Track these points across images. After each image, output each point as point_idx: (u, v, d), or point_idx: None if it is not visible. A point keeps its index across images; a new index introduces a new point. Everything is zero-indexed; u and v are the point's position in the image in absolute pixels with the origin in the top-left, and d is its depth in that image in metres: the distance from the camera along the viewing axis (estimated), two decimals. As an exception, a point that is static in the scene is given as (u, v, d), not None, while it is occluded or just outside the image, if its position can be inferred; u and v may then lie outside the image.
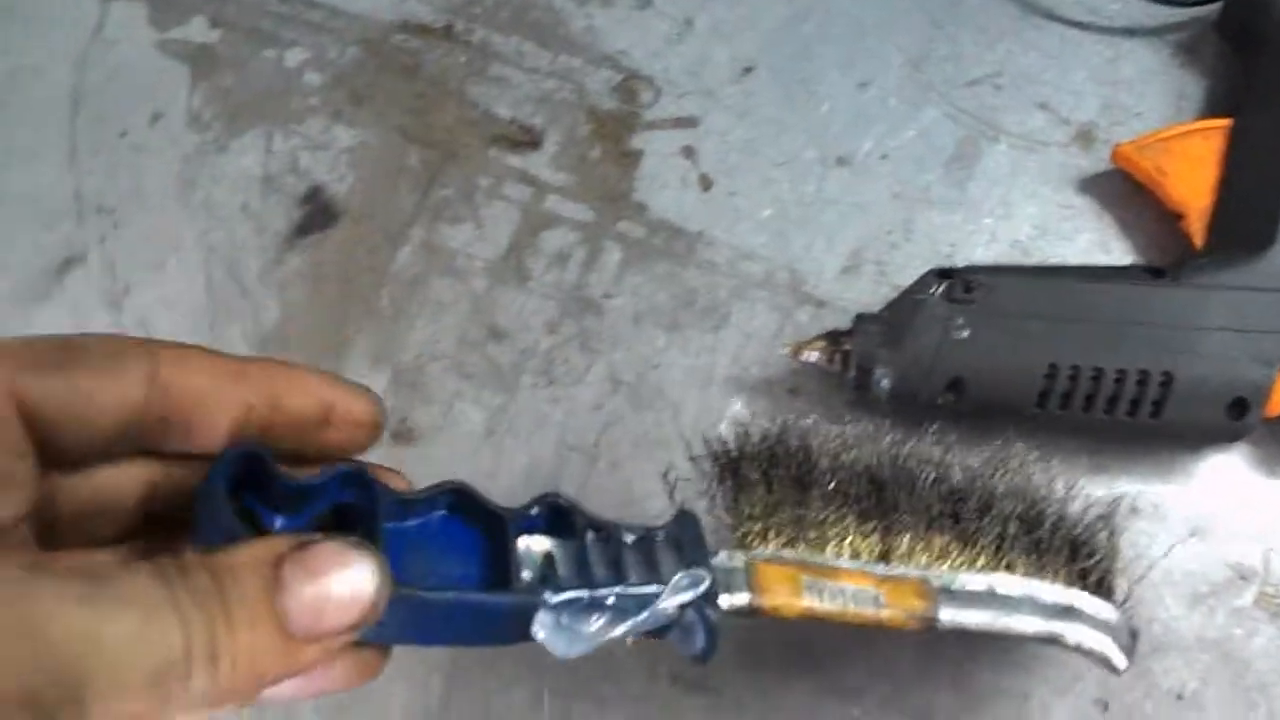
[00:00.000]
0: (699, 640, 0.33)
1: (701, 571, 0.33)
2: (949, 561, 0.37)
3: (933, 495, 0.38)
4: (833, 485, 0.38)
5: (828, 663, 0.45)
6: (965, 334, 0.44)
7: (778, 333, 0.49)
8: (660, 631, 0.33)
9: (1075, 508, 0.39)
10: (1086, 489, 0.44)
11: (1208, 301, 0.44)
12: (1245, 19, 0.50)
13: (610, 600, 0.32)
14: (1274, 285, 0.44)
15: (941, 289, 0.45)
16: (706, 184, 0.52)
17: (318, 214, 0.54)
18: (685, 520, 0.36)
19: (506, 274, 0.52)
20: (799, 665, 0.45)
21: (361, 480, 0.30)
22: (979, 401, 0.44)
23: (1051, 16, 0.53)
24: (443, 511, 0.32)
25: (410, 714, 0.45)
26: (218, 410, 0.29)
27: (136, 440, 0.28)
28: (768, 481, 0.38)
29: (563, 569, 0.33)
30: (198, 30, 0.58)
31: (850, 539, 0.37)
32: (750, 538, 0.37)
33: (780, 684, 0.44)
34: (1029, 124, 0.52)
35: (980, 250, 0.50)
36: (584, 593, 0.31)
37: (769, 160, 0.52)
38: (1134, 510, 0.46)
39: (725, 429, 0.41)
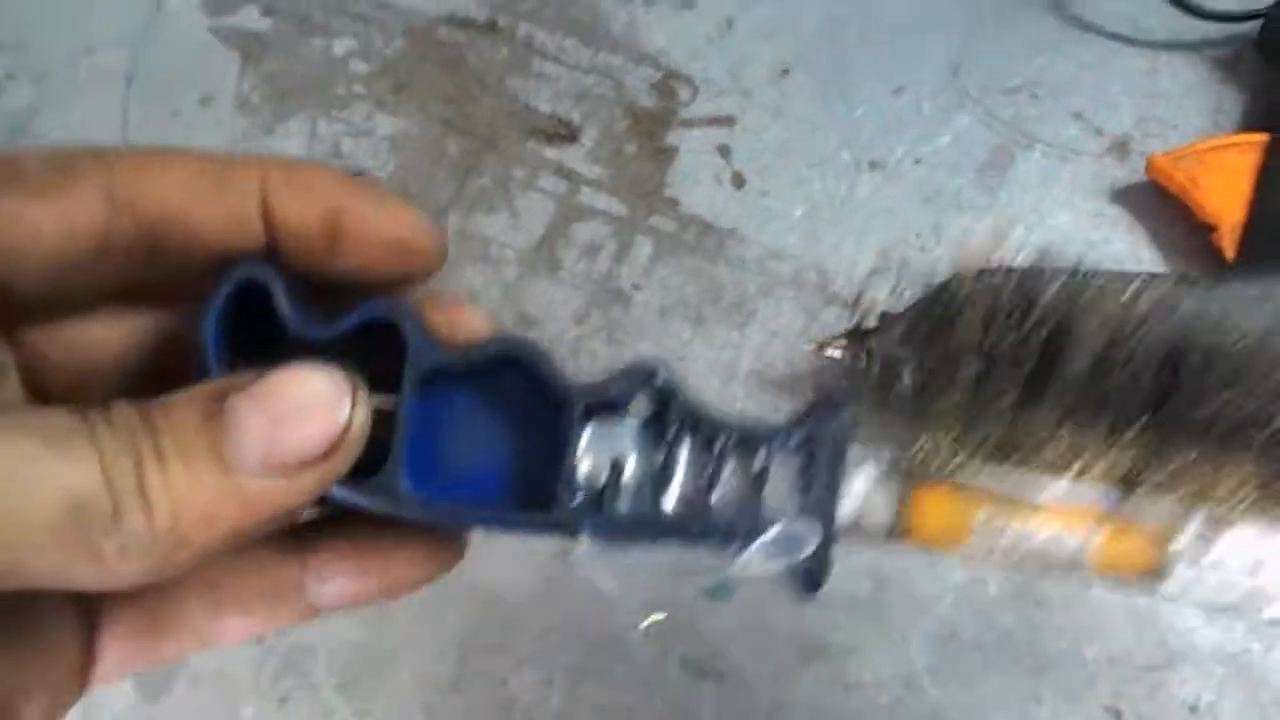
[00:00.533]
0: (793, 585, 0.26)
1: (813, 527, 0.25)
2: (1233, 499, 0.25)
3: (1265, 397, 0.26)
4: (1097, 368, 0.26)
5: (839, 655, 0.45)
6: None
7: (803, 331, 0.50)
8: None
9: None
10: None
11: (1240, 312, 0.44)
12: (1285, 35, 0.50)
13: (679, 537, 0.25)
14: (1304, 299, 0.43)
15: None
16: (739, 182, 0.53)
17: (357, 198, 0.55)
18: (828, 423, 0.25)
19: (538, 264, 0.52)
20: (810, 655, 0.45)
21: (389, 322, 0.24)
22: (1001, 404, 0.44)
23: (1090, 28, 0.54)
24: (495, 376, 0.25)
25: (423, 690, 0.46)
26: (199, 228, 0.23)
27: (111, 279, 0.23)
28: (980, 358, 0.27)
29: (632, 483, 0.25)
30: (249, 18, 0.59)
31: (1089, 453, 0.26)
32: (926, 443, 0.26)
33: (789, 673, 0.45)
34: (1063, 134, 0.52)
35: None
36: (642, 518, 0.25)
37: (802, 161, 0.53)
38: (1154, 520, 0.45)
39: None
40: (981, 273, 0.41)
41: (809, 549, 0.25)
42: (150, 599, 0.25)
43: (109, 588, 0.20)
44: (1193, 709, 0.43)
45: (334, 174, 0.24)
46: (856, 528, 0.25)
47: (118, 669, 0.25)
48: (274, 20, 0.59)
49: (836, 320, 0.50)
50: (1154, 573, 0.25)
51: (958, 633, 0.45)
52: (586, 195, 0.53)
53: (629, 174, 0.54)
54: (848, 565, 0.46)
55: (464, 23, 0.58)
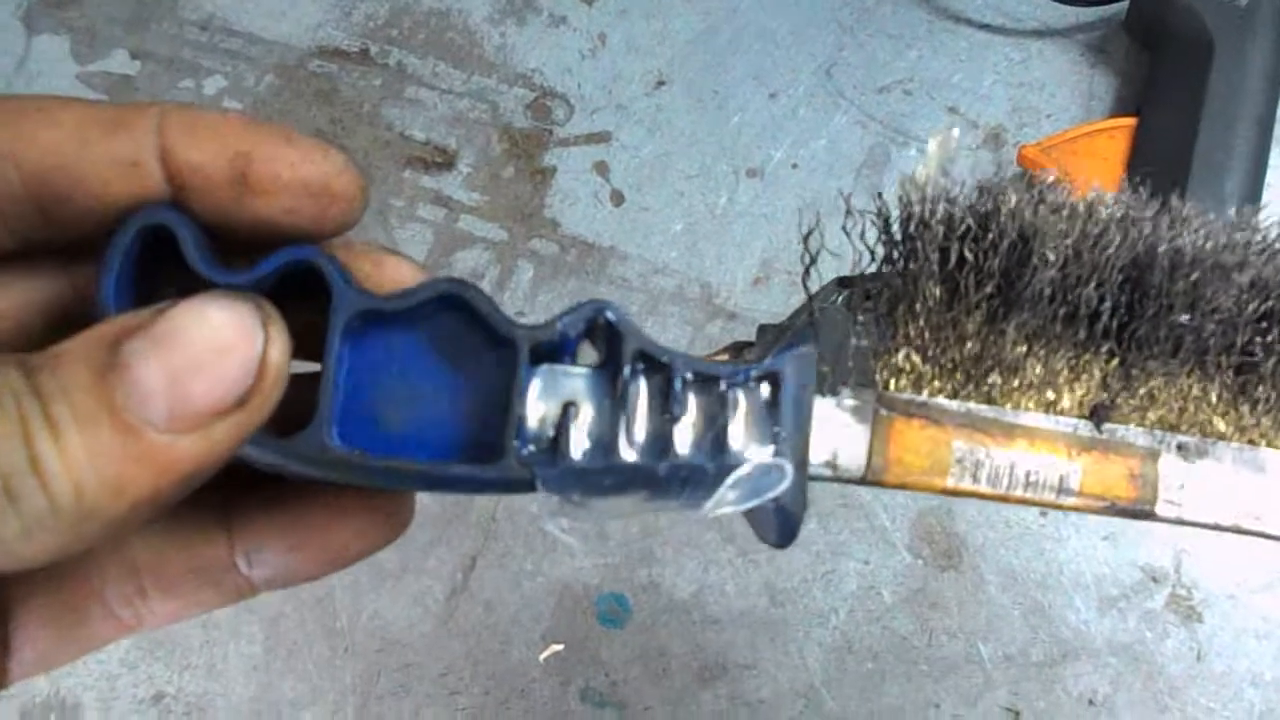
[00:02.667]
0: (769, 531, 0.24)
1: (783, 463, 0.23)
2: (1212, 422, 0.25)
3: (1229, 314, 0.24)
4: (1062, 285, 0.24)
5: (738, 674, 0.44)
6: (865, 342, 0.44)
7: (689, 346, 0.49)
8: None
9: None
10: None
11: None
12: (1150, 15, 0.50)
13: (643, 483, 0.23)
14: (1173, 284, 0.43)
15: (842, 297, 0.45)
16: (618, 199, 0.52)
17: (235, 241, 0.54)
18: (790, 358, 0.25)
19: (420, 295, 0.52)
20: (709, 676, 0.44)
21: (310, 265, 0.22)
22: (881, 410, 0.44)
23: (961, 20, 0.53)
24: (432, 322, 0.23)
25: (324, 739, 0.45)
26: (91, 177, 0.21)
27: (2, 239, 0.21)
28: (951, 277, 0.25)
29: (588, 429, 0.23)
30: (119, 62, 0.58)
31: (1061, 378, 0.25)
32: (895, 375, 0.26)
33: (690, 696, 0.44)
34: (938, 128, 0.52)
35: (890, 257, 0.50)
36: (601, 466, 0.22)
37: (680, 173, 0.52)
38: (1043, 514, 0.45)
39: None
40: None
41: (781, 488, 0.23)
42: (65, 586, 0.23)
43: (12, 569, 0.18)
44: (1090, 702, 0.43)
45: (240, 117, 0.22)
46: (831, 467, 0.24)
47: (38, 663, 0.23)
48: (143, 63, 0.58)
49: (722, 332, 0.50)
50: (1141, 499, 0.24)
51: (853, 643, 0.44)
52: (466, 222, 0.53)
53: (508, 198, 0.53)
54: (742, 583, 0.46)
55: (335, 53, 0.57)
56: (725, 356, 0.46)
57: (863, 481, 0.24)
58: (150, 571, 0.24)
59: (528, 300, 0.51)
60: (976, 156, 0.51)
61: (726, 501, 0.23)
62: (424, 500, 0.47)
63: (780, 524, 0.23)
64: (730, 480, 0.23)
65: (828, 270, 0.46)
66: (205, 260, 0.21)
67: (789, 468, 0.23)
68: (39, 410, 0.18)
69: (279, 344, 0.19)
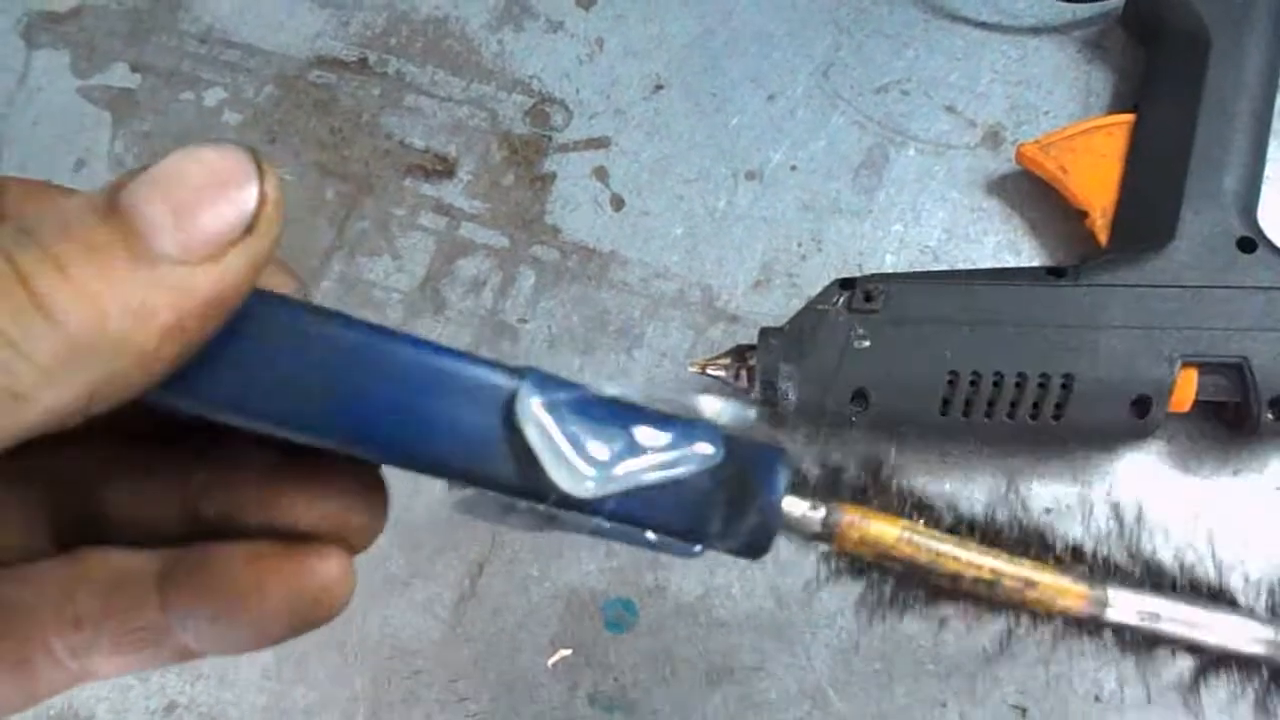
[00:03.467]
0: (744, 531, 0.24)
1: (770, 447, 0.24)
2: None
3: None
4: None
5: (745, 676, 0.45)
6: (866, 344, 0.44)
7: (691, 350, 0.50)
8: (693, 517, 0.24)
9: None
10: (999, 493, 0.45)
11: (1107, 300, 0.44)
12: (1147, 11, 0.50)
13: (630, 412, 0.23)
14: (1173, 282, 0.44)
15: (843, 299, 0.45)
16: (618, 204, 0.52)
17: (238, 252, 0.54)
18: (761, 451, 0.25)
19: (423, 304, 0.52)
20: (716, 678, 0.45)
21: None
22: (884, 411, 0.44)
23: (957, 19, 0.53)
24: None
25: (335, 747, 0.46)
26: None
27: None
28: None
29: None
30: (119, 76, 0.58)
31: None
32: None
33: (698, 697, 0.45)
34: (936, 128, 0.52)
35: (890, 257, 0.50)
36: (586, 394, 0.23)
37: (680, 177, 0.52)
38: (1048, 511, 0.46)
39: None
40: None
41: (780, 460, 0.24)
42: (9, 634, 0.24)
43: (46, 423, 0.18)
44: (1096, 699, 0.43)
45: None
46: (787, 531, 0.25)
47: None
48: (143, 76, 0.58)
49: (724, 336, 0.50)
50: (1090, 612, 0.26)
51: (860, 644, 0.44)
52: (467, 230, 0.53)
53: (508, 204, 0.53)
54: (748, 585, 0.46)
55: (334, 63, 0.57)
56: (727, 360, 0.46)
57: (819, 536, 0.25)
58: (92, 628, 0.24)
59: (529, 306, 0.51)
60: (975, 155, 0.51)
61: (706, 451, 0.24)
62: (431, 508, 0.48)
63: (762, 519, 0.24)
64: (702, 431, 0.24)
65: (823, 281, 0.46)
66: None
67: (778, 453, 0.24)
68: (35, 254, 0.18)
69: (272, 177, 0.20)
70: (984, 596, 0.26)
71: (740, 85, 0.54)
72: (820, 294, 0.45)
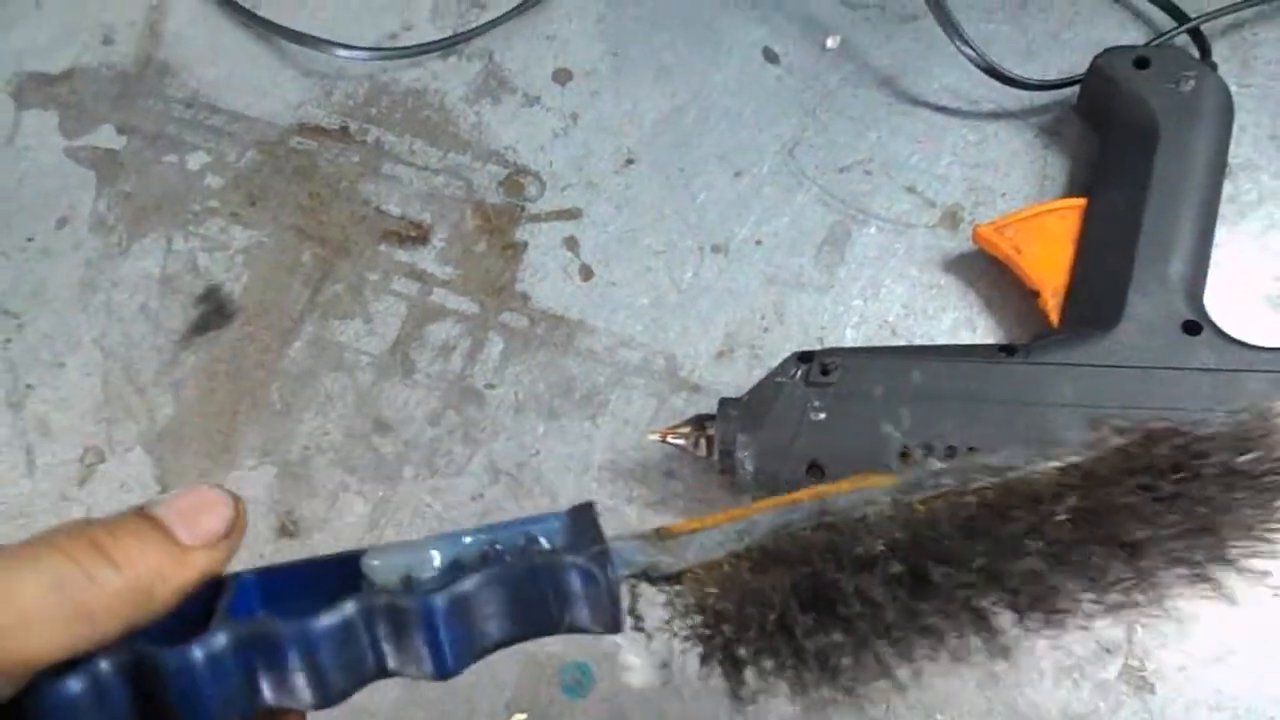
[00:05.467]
0: (590, 615, 0.29)
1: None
2: None
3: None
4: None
5: (698, 747, 0.45)
6: (822, 416, 0.45)
7: (654, 418, 0.51)
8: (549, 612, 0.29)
9: None
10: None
11: (1056, 379, 0.45)
12: (1098, 100, 0.52)
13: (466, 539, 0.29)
14: (1119, 362, 0.45)
15: (801, 372, 0.46)
16: (587, 274, 0.54)
17: (213, 313, 0.55)
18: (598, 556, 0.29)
19: (393, 367, 0.53)
20: (668, 750, 0.45)
21: None
22: (839, 482, 0.45)
23: (919, 103, 0.55)
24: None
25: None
26: None
27: None
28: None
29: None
30: (105, 137, 0.60)
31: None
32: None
33: (650, 770, 0.45)
34: (897, 207, 0.53)
35: (850, 331, 0.51)
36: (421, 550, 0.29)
37: (648, 249, 0.54)
38: (999, 586, 0.46)
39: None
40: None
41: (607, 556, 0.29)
42: None
43: (112, 630, 0.26)
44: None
45: None
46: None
47: None
48: (129, 138, 0.60)
49: (686, 405, 0.51)
50: None
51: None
52: (439, 295, 0.54)
53: (480, 272, 0.54)
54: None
55: (316, 130, 0.58)
56: (687, 429, 0.47)
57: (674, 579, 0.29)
58: None
59: (497, 372, 0.52)
60: (934, 234, 0.53)
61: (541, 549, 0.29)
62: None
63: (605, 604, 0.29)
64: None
65: (784, 353, 0.47)
66: None
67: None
68: (101, 531, 0.27)
69: (241, 504, 0.30)
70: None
71: (709, 161, 0.55)
72: (779, 366, 0.47)
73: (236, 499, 0.30)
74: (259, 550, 0.50)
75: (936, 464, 0.29)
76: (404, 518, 0.50)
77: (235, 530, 0.30)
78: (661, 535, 0.29)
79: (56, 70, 0.61)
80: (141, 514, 0.29)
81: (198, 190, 0.58)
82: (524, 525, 0.30)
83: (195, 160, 0.59)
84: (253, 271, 0.56)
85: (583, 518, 0.30)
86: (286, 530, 0.50)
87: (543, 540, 0.30)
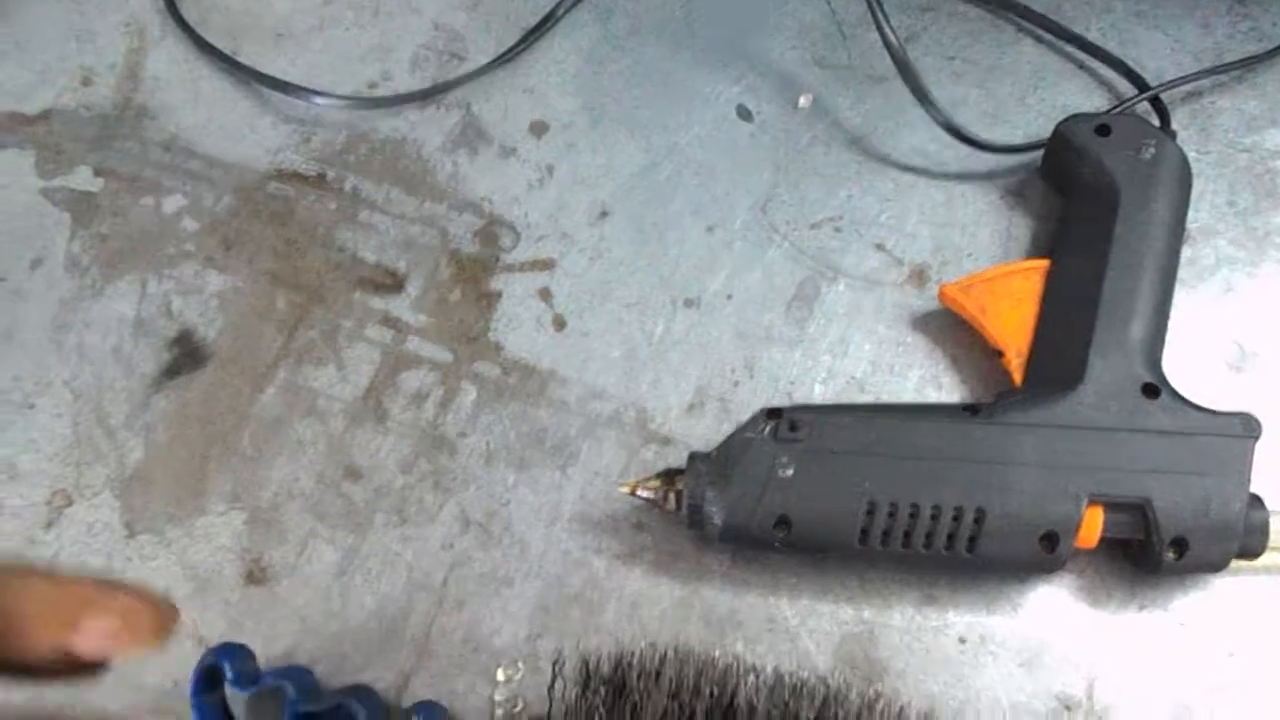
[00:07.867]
0: None
1: None
2: None
3: None
4: None
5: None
6: (790, 472, 0.46)
7: (624, 470, 0.51)
8: None
9: None
10: (917, 620, 0.46)
11: (1019, 439, 0.46)
12: (1061, 164, 0.53)
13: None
14: (1081, 423, 0.46)
15: (769, 428, 0.47)
16: (560, 325, 0.54)
17: (186, 357, 0.55)
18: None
19: (365, 414, 0.53)
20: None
21: None
22: (805, 537, 0.46)
23: (888, 163, 0.57)
24: None
25: None
26: None
27: None
28: None
29: None
30: (82, 179, 0.60)
31: None
32: None
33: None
34: (866, 265, 0.54)
35: (819, 386, 0.52)
36: None
37: (620, 301, 0.55)
38: (962, 641, 0.47)
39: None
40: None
41: None
42: None
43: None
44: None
45: None
46: None
47: None
48: (106, 180, 0.60)
49: (655, 457, 0.51)
50: None
51: (776, 768, 0.45)
52: (413, 343, 0.54)
53: (453, 321, 0.55)
54: None
55: (293, 176, 0.59)
56: (657, 483, 0.47)
57: None
58: None
59: (470, 421, 0.52)
60: (902, 291, 0.54)
61: None
62: (361, 618, 0.48)
63: None
64: None
65: (753, 407, 0.48)
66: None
67: None
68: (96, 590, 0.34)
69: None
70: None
71: (682, 216, 0.56)
72: (748, 422, 0.47)
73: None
74: (225, 597, 0.50)
75: None
76: (373, 566, 0.50)
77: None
78: None
79: (34, 110, 0.61)
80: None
81: (173, 234, 0.58)
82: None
83: (171, 203, 0.59)
84: (226, 316, 0.56)
85: None
86: (254, 577, 0.50)
87: None
